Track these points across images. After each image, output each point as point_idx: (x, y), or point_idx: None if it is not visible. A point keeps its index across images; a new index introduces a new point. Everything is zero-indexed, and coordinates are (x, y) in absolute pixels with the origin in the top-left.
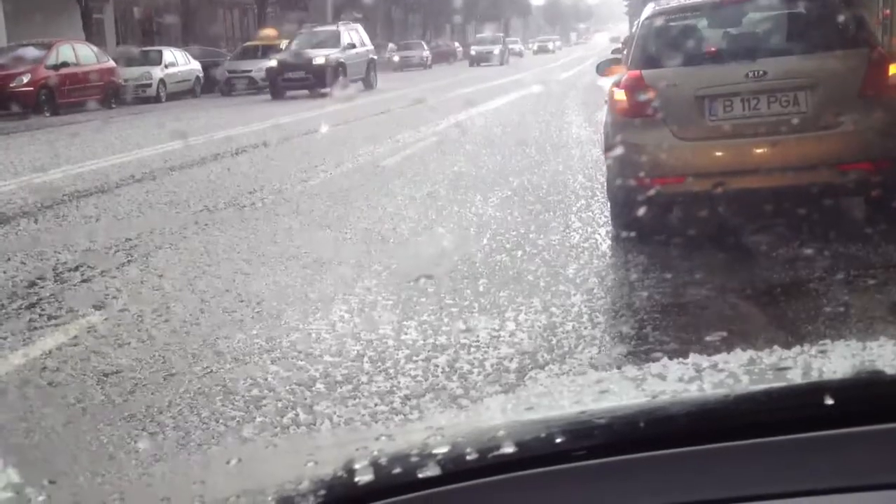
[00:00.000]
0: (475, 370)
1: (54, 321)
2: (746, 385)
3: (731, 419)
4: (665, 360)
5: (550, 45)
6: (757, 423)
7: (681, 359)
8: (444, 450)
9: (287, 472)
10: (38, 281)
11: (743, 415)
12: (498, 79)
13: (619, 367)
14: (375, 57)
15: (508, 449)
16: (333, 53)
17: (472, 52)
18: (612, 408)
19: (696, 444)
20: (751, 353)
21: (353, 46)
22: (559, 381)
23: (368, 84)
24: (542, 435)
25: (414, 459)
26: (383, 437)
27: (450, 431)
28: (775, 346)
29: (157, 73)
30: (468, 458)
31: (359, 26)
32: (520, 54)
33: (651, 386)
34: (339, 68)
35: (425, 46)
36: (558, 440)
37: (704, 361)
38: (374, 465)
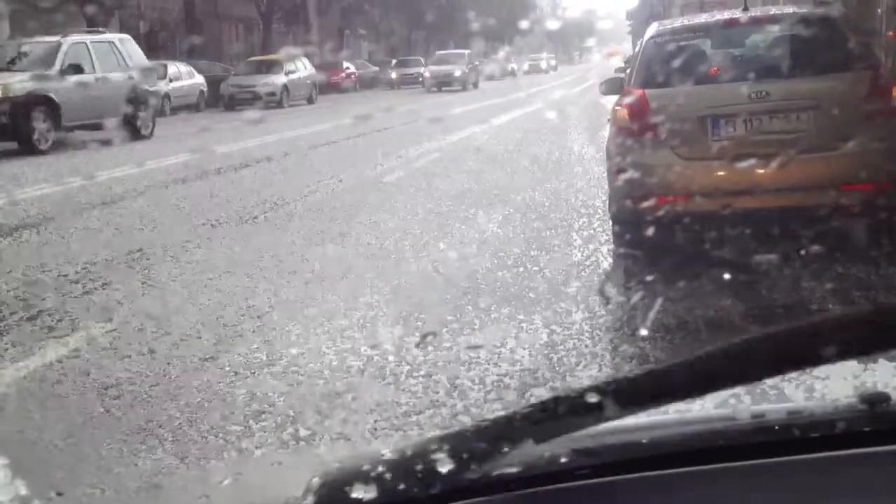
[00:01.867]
0: (475, 387)
1: (55, 333)
2: (749, 405)
3: (734, 439)
4: None
5: (543, 64)
6: (760, 443)
7: None
8: (448, 467)
9: (291, 486)
10: (40, 293)
11: (746, 435)
12: (435, 109)
13: None
14: (153, 87)
15: (512, 467)
16: (25, 82)
17: (427, 75)
18: (615, 426)
19: (700, 463)
20: None
21: (78, 70)
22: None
23: (134, 130)
24: (547, 453)
25: (418, 476)
26: (388, 453)
27: (454, 448)
28: None
29: (162, 86)
30: (472, 475)
31: (122, 38)
32: (512, 74)
33: (653, 405)
34: (39, 106)
35: (423, 63)
36: (563, 458)
37: None
38: (378, 480)
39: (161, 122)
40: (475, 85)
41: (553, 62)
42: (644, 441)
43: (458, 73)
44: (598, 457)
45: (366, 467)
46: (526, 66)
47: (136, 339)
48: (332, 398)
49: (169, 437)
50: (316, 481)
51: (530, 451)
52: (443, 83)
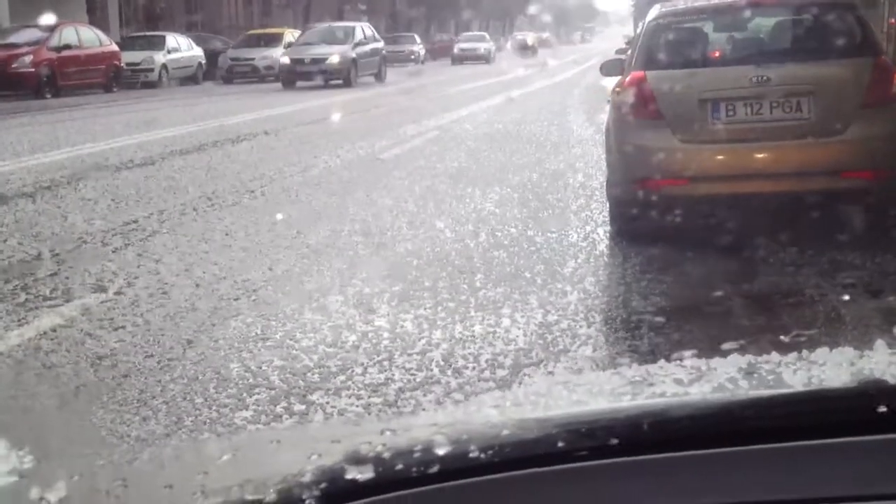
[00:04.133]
0: (470, 365)
1: (50, 302)
2: (747, 390)
3: (733, 424)
4: (663, 361)
5: (530, 40)
6: (758, 428)
7: (678, 361)
8: (447, 447)
9: (290, 463)
10: (35, 262)
11: (745, 420)
12: None
13: (615, 368)
14: None
15: (511, 447)
16: None
17: (285, 62)
18: (614, 408)
19: (698, 447)
20: (749, 357)
21: None
22: (556, 379)
23: None
24: (544, 434)
25: (416, 455)
26: (387, 432)
27: (453, 428)
28: (773, 352)
29: (160, 58)
30: (470, 455)
31: None
32: (485, 59)
33: (650, 387)
34: None
35: (417, 40)
36: (560, 440)
37: (703, 364)
38: (377, 459)
39: (159, 94)
40: (378, 77)
41: (534, 39)
42: (643, 424)
43: (333, 60)
44: (596, 438)
45: (364, 447)
46: (508, 46)
47: (131, 311)
48: (326, 373)
49: (163, 409)
50: (314, 459)
51: (527, 433)
52: (321, 73)
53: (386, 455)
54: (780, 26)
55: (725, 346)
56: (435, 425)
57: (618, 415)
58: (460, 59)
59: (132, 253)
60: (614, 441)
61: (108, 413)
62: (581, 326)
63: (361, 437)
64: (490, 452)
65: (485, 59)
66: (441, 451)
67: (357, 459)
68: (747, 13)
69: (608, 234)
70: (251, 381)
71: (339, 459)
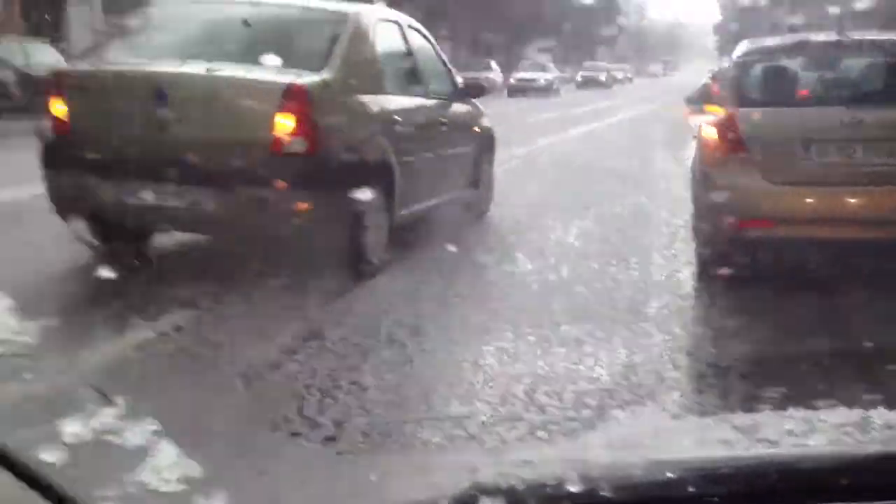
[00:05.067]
0: (553, 402)
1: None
2: (865, 444)
3: (858, 479)
4: (768, 410)
5: (603, 75)
6: (882, 485)
7: (784, 411)
8: (578, 484)
9: (425, 490)
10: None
11: (870, 475)
12: None
13: (719, 414)
14: None
15: (644, 489)
16: None
17: None
18: (736, 456)
19: (825, 500)
20: (859, 411)
21: None
22: (661, 423)
23: None
24: (676, 478)
25: (548, 490)
26: (521, 464)
27: (582, 465)
28: (880, 407)
29: None
30: (601, 493)
31: None
32: (546, 91)
33: (764, 436)
34: None
35: (493, 66)
36: (691, 485)
37: (813, 416)
38: (509, 491)
39: None
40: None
41: (609, 71)
42: (773, 473)
43: None
44: (725, 485)
45: (497, 478)
46: (579, 78)
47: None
48: (404, 405)
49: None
50: (449, 487)
51: (657, 475)
52: None
53: (520, 487)
54: (872, 67)
55: (821, 400)
56: (567, 461)
57: (740, 463)
58: (518, 91)
59: None
60: (744, 489)
61: (264, 426)
62: (667, 369)
63: (496, 467)
64: (622, 493)
65: (545, 90)
66: (573, 489)
67: (489, 490)
68: (838, 53)
69: (694, 274)
70: (334, 411)
71: (471, 488)
